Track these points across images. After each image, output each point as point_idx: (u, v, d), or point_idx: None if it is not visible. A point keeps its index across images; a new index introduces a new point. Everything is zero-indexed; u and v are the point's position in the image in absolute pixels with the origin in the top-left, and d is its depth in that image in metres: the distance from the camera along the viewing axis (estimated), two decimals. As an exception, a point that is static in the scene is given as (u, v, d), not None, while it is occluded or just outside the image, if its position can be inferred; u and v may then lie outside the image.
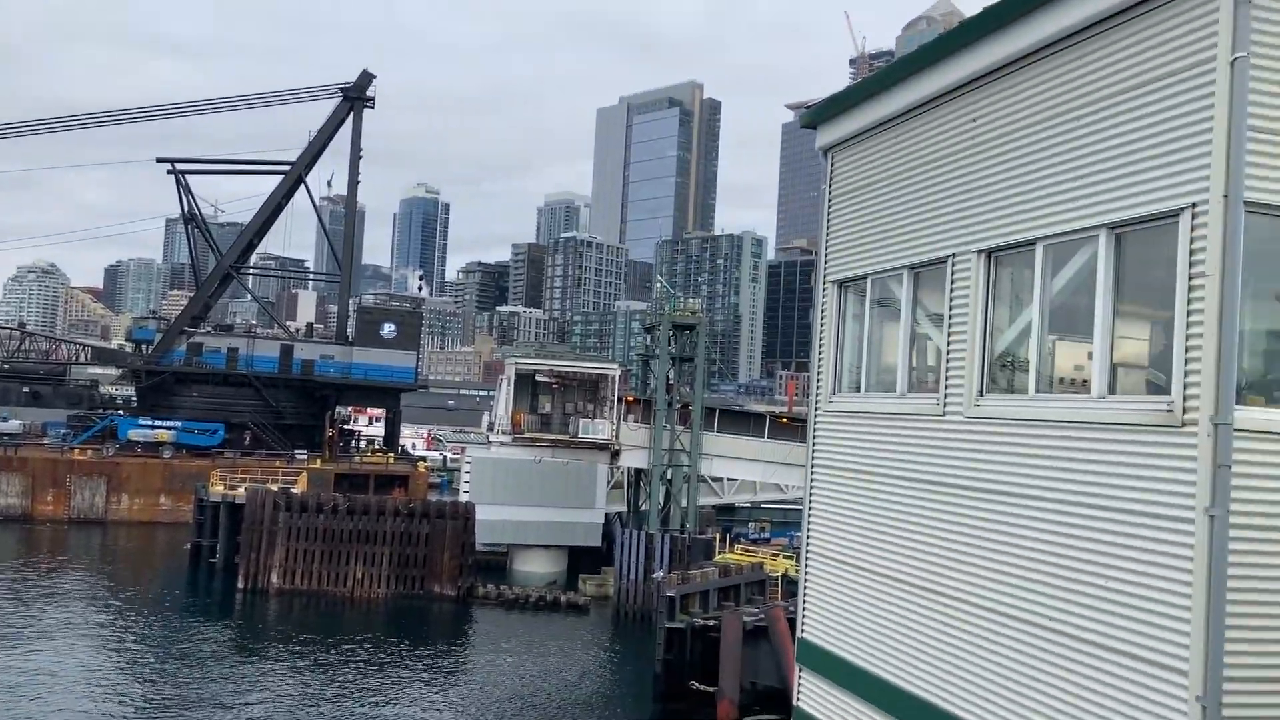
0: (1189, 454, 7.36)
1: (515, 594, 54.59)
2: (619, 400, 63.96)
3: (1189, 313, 7.49)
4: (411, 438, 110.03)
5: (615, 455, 62.68)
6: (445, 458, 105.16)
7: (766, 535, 67.86)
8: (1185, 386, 7.49)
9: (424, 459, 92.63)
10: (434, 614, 51.45)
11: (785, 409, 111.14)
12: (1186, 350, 7.50)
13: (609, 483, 67.57)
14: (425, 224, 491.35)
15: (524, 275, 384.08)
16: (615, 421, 62.05)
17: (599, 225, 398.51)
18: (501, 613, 52.39)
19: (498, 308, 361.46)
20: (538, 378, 65.59)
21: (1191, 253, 7.52)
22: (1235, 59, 7.21)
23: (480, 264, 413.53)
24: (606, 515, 67.54)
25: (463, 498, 61.89)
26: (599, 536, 64.70)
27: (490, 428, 65.16)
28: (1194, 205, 7.50)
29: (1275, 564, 7.26)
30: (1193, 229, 7.51)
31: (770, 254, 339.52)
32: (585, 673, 42.73)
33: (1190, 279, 7.51)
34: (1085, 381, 8.79)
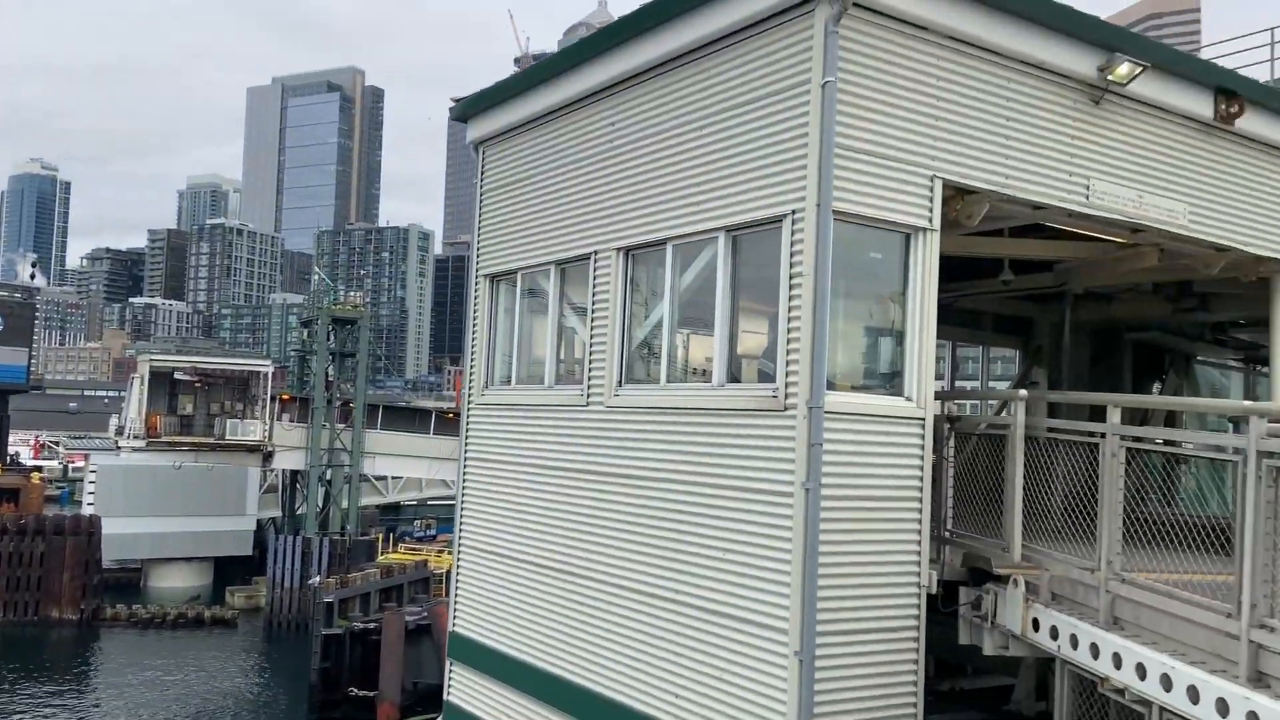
0: (789, 434, 8.21)
1: (150, 613, 49.80)
2: (273, 399, 60.20)
3: (789, 308, 8.35)
4: (18, 445, 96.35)
5: (268, 457, 59.01)
6: (66, 467, 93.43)
7: (433, 532, 67.01)
8: (786, 374, 8.34)
9: (39, 469, 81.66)
10: (52, 641, 45.66)
11: (454, 404, 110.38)
12: (788, 342, 8.35)
13: (262, 487, 63.42)
14: (41, 204, 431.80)
15: (163, 264, 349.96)
16: (268, 421, 58.35)
17: (251, 212, 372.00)
18: (135, 635, 47.54)
19: (131, 299, 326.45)
20: (177, 376, 60.05)
21: (791, 255, 8.38)
22: (825, 83, 8.12)
23: (109, 251, 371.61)
24: (259, 521, 63.38)
25: (87, 510, 55.26)
26: (250, 545, 60.55)
27: (120, 431, 58.77)
28: (794, 212, 8.36)
29: (854, 530, 8.28)
30: (792, 233, 8.37)
31: (438, 248, 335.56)
32: (231, 691, 39.81)
33: (790, 278, 8.37)
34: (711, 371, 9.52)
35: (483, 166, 13.27)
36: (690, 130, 9.64)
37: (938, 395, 9.78)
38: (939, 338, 16.84)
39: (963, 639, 8.98)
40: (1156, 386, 17.65)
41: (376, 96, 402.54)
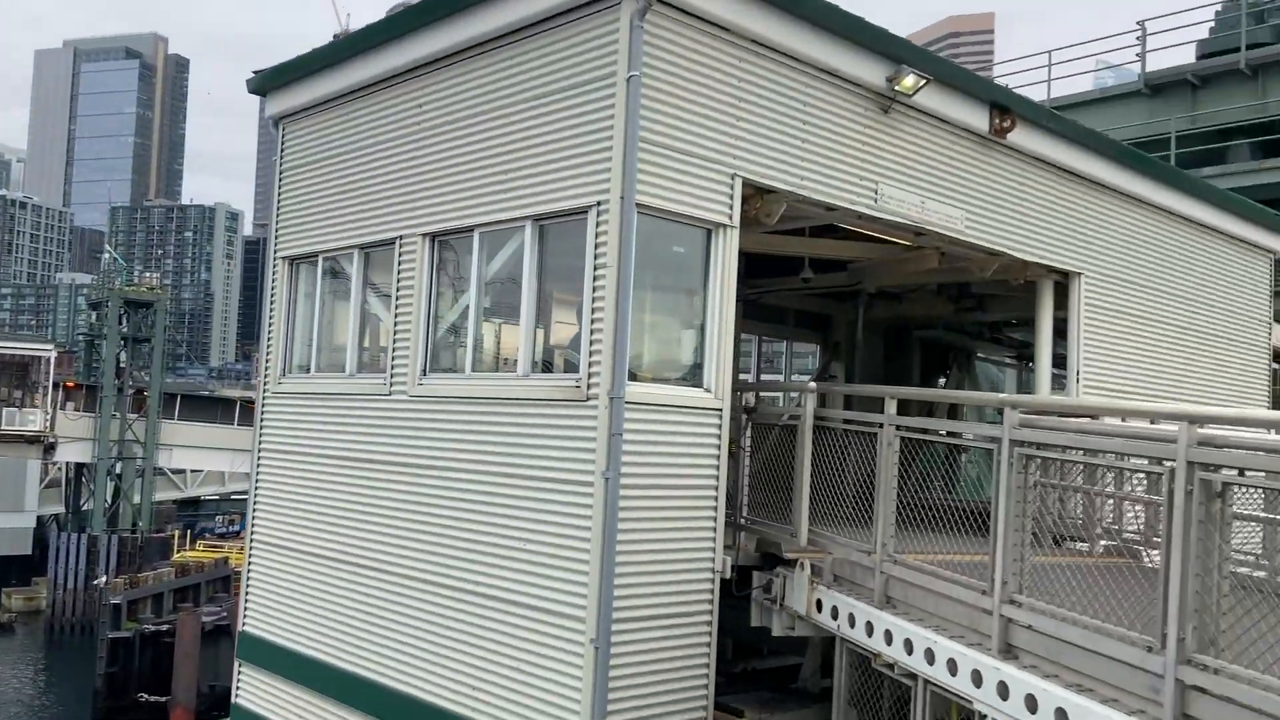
0: (591, 425, 8.28)
1: (-92, 622, 45.12)
2: (56, 386, 55.60)
3: (593, 299, 8.41)
4: None
5: (50, 448, 54.44)
6: None
7: (236, 528, 63.74)
8: (590, 365, 8.40)
9: None
10: None
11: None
12: (591, 333, 8.41)
13: (43, 481, 58.55)
14: None
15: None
16: (50, 410, 53.87)
17: (37, 184, 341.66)
18: (-112, 647, 42.96)
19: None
20: (-58, 359, 54.55)
21: (596, 246, 8.44)
22: (630, 77, 8.22)
23: None
24: (40, 518, 58.51)
25: None
26: (29, 543, 55.80)
27: None
28: (598, 204, 8.42)
29: (653, 518, 8.45)
30: (597, 225, 8.43)
31: (248, 229, 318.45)
32: (7, 700, 36.60)
33: (595, 269, 8.43)
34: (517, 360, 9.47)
35: (283, 143, 12.68)
36: (499, 117, 9.53)
37: (737, 387, 10.12)
38: (746, 332, 17.62)
39: (754, 621, 9.32)
40: (942, 381, 18.92)
41: (181, 66, 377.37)
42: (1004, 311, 16.13)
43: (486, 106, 9.70)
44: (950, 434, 8.66)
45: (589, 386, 8.38)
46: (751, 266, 14.70)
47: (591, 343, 8.40)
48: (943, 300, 15.85)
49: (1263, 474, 5.10)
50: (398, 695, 9.79)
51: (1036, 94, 25.82)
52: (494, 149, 9.55)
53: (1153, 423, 6.72)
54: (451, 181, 10.06)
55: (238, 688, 12.21)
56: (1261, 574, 6.21)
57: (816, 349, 18.89)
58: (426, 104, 10.49)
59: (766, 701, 9.65)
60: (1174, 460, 5.39)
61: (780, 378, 19.44)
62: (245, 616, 12.25)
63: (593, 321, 8.42)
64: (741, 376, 18.61)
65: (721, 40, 8.92)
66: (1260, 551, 6.48)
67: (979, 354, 19.68)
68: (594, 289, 8.42)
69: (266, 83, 12.72)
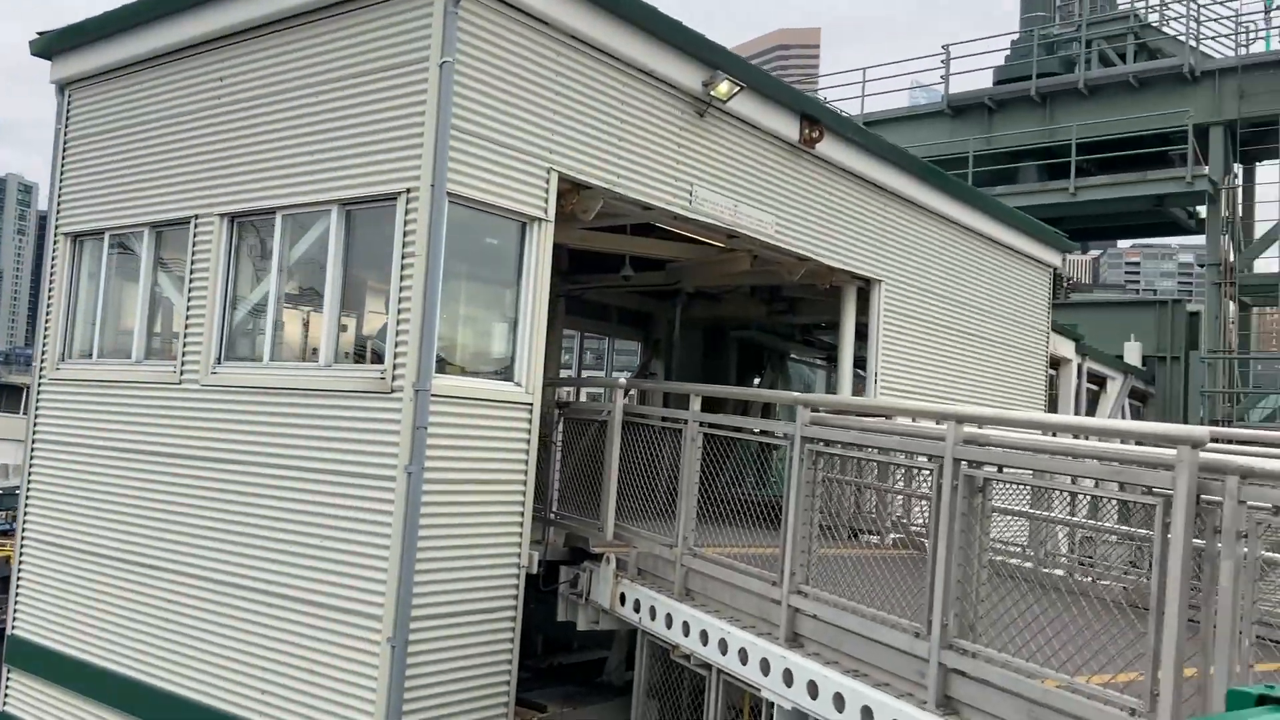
0: (395, 418, 8.06)
1: None
2: None
3: (400, 289, 8.19)
4: None
5: None
6: None
7: (10, 526, 58.61)
8: (395, 356, 8.17)
9: None
10: None
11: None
12: (398, 323, 8.19)
13: None
14: None
15: None
16: None
17: None
18: None
19: None
20: None
21: (405, 234, 8.22)
22: (444, 62, 8.05)
23: None
24: None
25: None
26: None
27: None
28: (408, 190, 8.20)
29: (458, 513, 8.31)
30: (406, 213, 8.21)
31: (41, 203, 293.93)
32: None
33: (403, 258, 8.21)
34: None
35: (68, 111, 11.73)
36: (308, 95, 9.14)
37: (550, 382, 10.11)
38: (569, 328, 17.63)
39: (560, 616, 9.34)
40: (757, 380, 19.57)
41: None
42: (814, 315, 16.83)
43: (294, 84, 9.28)
44: (752, 431, 8.93)
45: (394, 379, 8.15)
46: (575, 262, 14.76)
47: (398, 334, 8.18)
48: (756, 302, 16.39)
49: (1022, 471, 5.51)
50: (183, 701, 9.24)
51: (854, 108, 27.15)
52: (301, 129, 9.15)
53: (938, 423, 7.14)
54: (254, 161, 9.57)
55: (6, 696, 11.22)
56: (1015, 561, 6.72)
57: (639, 346, 19.16)
58: (229, 77, 9.94)
59: (570, 696, 9.70)
60: (943, 457, 5.75)
61: (617, 375, 19.59)
62: (15, 619, 11.28)
63: (399, 312, 8.20)
64: (565, 373, 18.67)
65: (539, 33, 8.86)
66: (1008, 540, 7.01)
67: (792, 355, 20.47)
68: (401, 278, 8.20)
69: (52, 45, 11.75)
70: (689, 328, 17.28)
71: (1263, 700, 2.53)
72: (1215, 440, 5.20)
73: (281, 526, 8.78)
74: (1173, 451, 4.55)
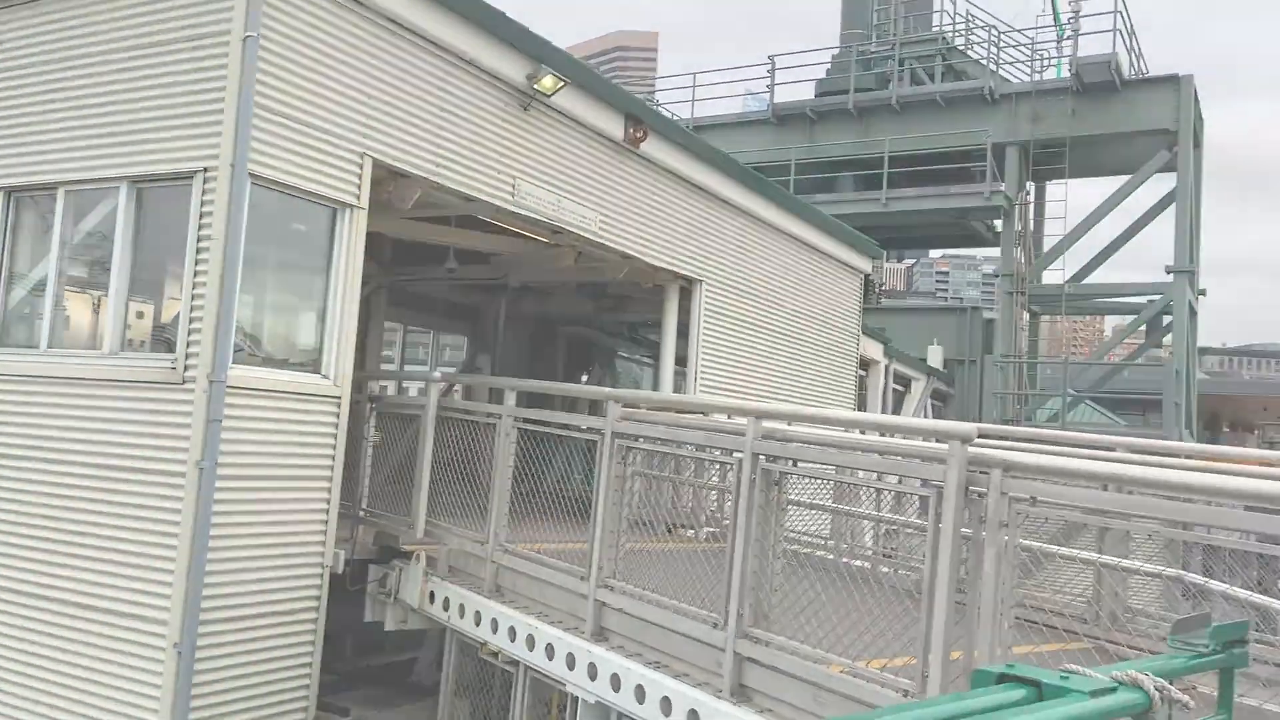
0: (186, 410, 7.59)
1: None
2: None
3: (195, 274, 7.72)
4: None
5: None
6: None
7: None
8: (189, 345, 7.69)
9: None
10: None
11: None
12: (191, 310, 7.71)
13: None
14: None
15: None
16: None
17: None
18: None
19: None
20: None
21: (201, 216, 7.76)
22: (247, 37, 7.64)
23: None
24: None
25: None
26: None
27: None
28: (205, 169, 7.74)
29: (256, 511, 7.92)
30: (203, 193, 7.75)
31: None
32: None
33: (199, 241, 7.75)
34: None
35: None
36: (96, 64, 8.48)
37: (362, 376, 9.78)
38: (392, 320, 17.12)
39: (368, 616, 9.06)
40: (584, 377, 19.62)
41: None
42: (639, 313, 17.01)
43: (83, 51, 8.59)
44: (566, 426, 8.91)
45: (186, 369, 7.68)
46: (399, 253, 14.36)
47: (191, 321, 7.71)
48: (584, 299, 16.43)
49: (811, 464, 5.73)
50: (-61, 721, 8.41)
51: (687, 112, 27.65)
52: (90, 100, 8.48)
53: (758, 420, 7.32)
54: (36, 131, 8.82)
55: None
56: (821, 554, 6.98)
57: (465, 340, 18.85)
58: (9, 40, 9.11)
59: (376, 698, 9.43)
60: (743, 452, 5.90)
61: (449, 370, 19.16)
62: None
63: (193, 298, 7.72)
64: (387, 367, 18.14)
65: (355, 14, 8.55)
66: (813, 533, 7.28)
67: (620, 352, 20.64)
68: (196, 262, 7.73)
69: None
70: (516, 323, 17.14)
71: (1003, 679, 2.70)
72: (985, 436, 5.56)
73: (61, 527, 8.11)
74: (945, 446, 4.83)
